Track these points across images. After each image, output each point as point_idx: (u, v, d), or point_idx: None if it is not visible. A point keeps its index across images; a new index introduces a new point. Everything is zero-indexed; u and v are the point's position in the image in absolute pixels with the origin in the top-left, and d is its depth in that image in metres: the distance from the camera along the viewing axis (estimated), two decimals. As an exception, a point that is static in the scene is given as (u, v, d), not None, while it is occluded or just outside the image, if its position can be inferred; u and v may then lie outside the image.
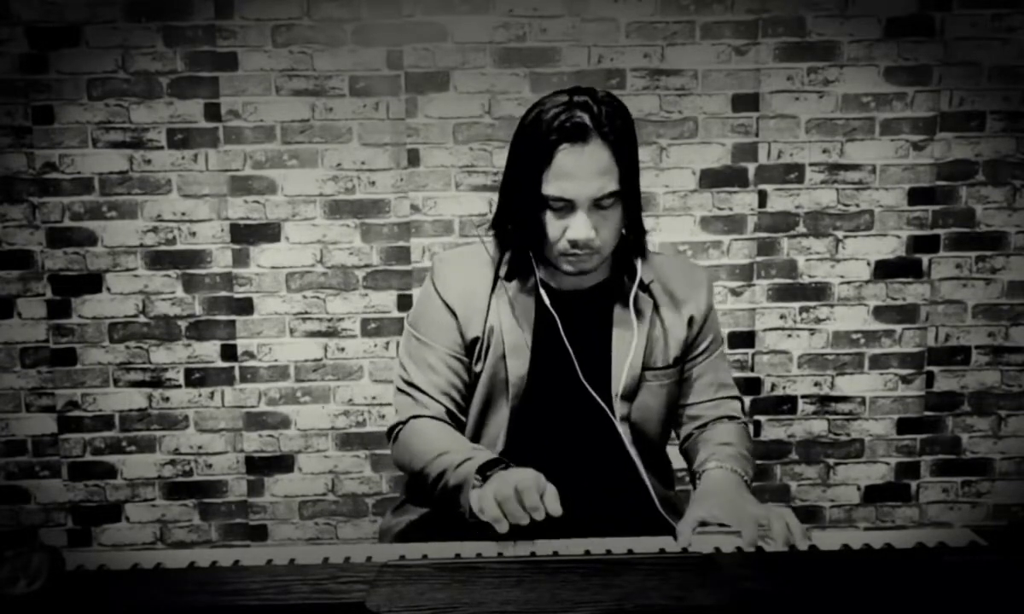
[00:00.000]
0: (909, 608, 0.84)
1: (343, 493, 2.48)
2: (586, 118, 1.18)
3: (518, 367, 1.30)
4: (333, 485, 2.47)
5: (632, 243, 1.31)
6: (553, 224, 1.22)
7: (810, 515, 2.52)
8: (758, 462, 2.48)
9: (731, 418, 1.38)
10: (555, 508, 1.05)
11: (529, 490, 1.03)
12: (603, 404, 1.30)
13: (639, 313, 1.32)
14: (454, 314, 1.32)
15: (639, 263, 1.33)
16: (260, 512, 2.47)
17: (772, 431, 2.49)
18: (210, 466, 2.45)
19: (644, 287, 1.33)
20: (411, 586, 0.87)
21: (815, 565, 0.94)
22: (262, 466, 2.46)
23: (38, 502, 2.44)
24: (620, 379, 1.30)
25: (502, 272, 1.33)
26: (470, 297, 1.32)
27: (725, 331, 2.44)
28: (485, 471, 1.14)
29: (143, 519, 2.46)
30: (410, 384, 1.34)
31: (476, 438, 1.35)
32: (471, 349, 1.33)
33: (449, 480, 1.20)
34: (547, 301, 1.29)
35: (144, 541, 2.47)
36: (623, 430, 1.31)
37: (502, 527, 1.04)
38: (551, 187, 1.19)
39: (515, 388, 1.30)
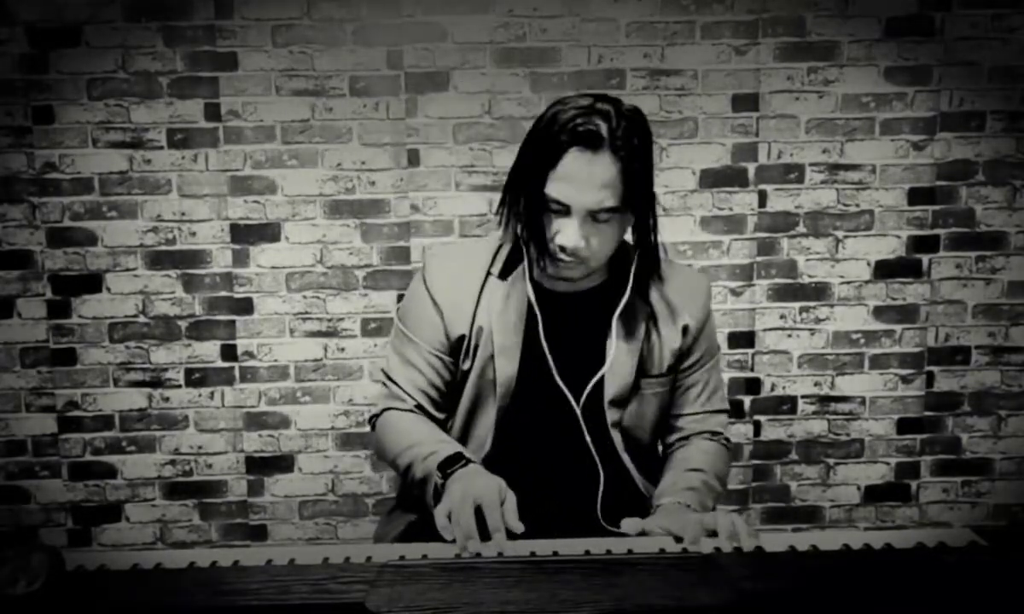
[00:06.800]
0: (909, 608, 0.84)
1: (343, 493, 2.48)
2: (603, 127, 1.14)
3: (506, 367, 1.28)
4: (333, 485, 2.47)
5: (638, 259, 1.28)
6: (549, 225, 1.20)
7: (810, 515, 2.52)
8: (758, 462, 2.49)
9: (713, 435, 1.37)
10: (514, 524, 1.06)
11: (492, 508, 1.05)
12: (574, 403, 1.28)
13: (634, 322, 1.30)
14: (440, 311, 1.31)
15: (631, 275, 1.29)
16: (260, 512, 2.47)
17: (772, 431, 2.49)
18: (210, 466, 2.45)
19: (644, 298, 1.31)
20: (411, 586, 0.87)
21: (815, 565, 0.94)
22: (262, 466, 2.46)
23: (38, 502, 2.44)
24: (611, 386, 1.29)
25: (495, 269, 1.31)
26: (458, 293, 1.31)
27: (725, 331, 2.44)
28: (446, 468, 1.16)
29: (143, 519, 2.46)
30: (389, 378, 1.37)
31: (464, 437, 1.34)
32: (456, 347, 1.32)
33: (416, 473, 1.23)
34: (532, 297, 1.28)
35: (144, 541, 2.47)
36: (615, 436, 1.31)
37: (463, 549, 1.04)
38: (552, 188, 1.17)
39: (503, 388, 1.29)
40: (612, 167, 1.15)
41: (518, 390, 1.29)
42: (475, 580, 0.89)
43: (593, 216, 1.17)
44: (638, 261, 1.28)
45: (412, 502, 1.33)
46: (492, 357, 1.29)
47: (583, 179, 1.15)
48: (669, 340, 1.32)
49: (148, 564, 0.98)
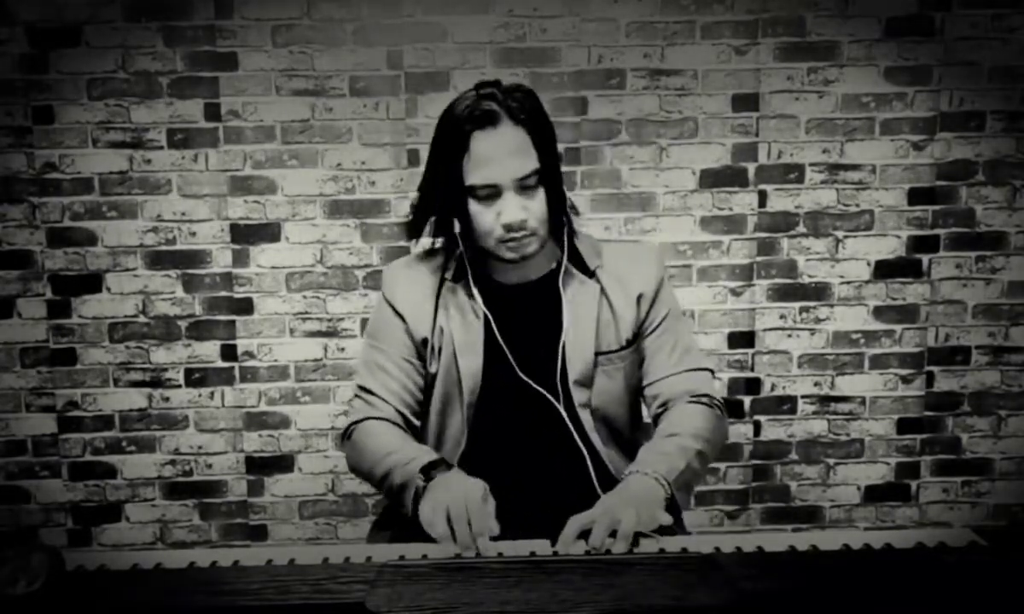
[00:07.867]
0: (909, 608, 0.84)
1: (343, 493, 2.48)
2: (493, 104, 1.22)
3: (470, 365, 1.31)
4: (333, 485, 2.47)
5: (564, 225, 1.34)
6: (483, 214, 1.24)
7: (810, 515, 2.52)
8: (758, 462, 2.48)
9: (694, 397, 1.32)
10: (491, 526, 1.05)
11: (478, 511, 1.04)
12: (545, 393, 1.30)
13: (586, 300, 1.33)
14: (402, 318, 1.35)
15: (565, 237, 1.35)
16: (260, 512, 2.47)
17: (772, 431, 2.49)
18: (210, 466, 2.45)
19: (590, 273, 1.35)
20: (411, 586, 0.87)
21: (815, 565, 0.94)
22: (262, 466, 2.46)
23: (38, 502, 2.44)
24: (574, 366, 1.31)
25: (448, 274, 1.36)
26: (417, 300, 1.35)
27: (725, 331, 2.44)
28: (428, 472, 1.16)
29: (143, 519, 2.46)
30: (363, 388, 1.37)
31: (439, 439, 1.36)
32: (423, 352, 1.35)
33: (395, 479, 1.22)
34: (479, 298, 1.32)
35: (144, 541, 2.47)
36: (584, 417, 1.32)
37: (448, 547, 1.03)
38: (474, 177, 1.22)
39: (469, 384, 1.31)
40: (518, 133, 1.22)
41: (485, 386, 1.32)
42: (475, 580, 0.89)
43: (522, 186, 1.23)
44: (562, 225, 1.34)
45: (393, 520, 1.32)
46: (455, 356, 1.32)
47: (496, 153, 1.21)
48: (624, 312, 1.35)
49: (148, 564, 0.98)
